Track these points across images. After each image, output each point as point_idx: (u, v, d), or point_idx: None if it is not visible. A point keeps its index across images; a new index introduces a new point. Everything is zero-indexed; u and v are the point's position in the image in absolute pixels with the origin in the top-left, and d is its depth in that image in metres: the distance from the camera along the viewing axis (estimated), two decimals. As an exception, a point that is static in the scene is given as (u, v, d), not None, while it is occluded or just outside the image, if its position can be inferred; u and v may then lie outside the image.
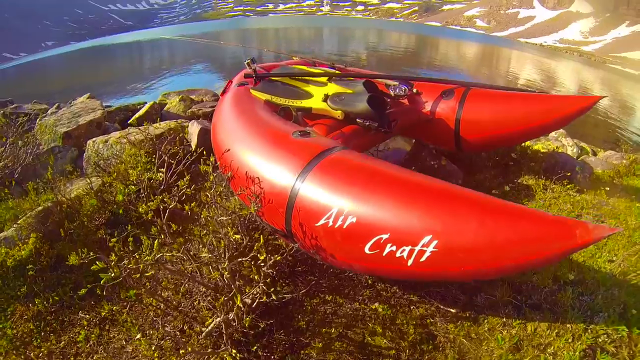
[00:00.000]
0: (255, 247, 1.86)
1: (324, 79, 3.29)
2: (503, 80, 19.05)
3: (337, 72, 3.62)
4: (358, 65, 17.65)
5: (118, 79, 14.54)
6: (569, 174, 3.50)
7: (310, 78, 3.34)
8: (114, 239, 1.83)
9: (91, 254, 1.73)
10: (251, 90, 3.35)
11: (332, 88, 3.15)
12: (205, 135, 4.02)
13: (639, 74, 51.80)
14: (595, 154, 6.11)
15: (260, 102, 3.20)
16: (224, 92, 3.77)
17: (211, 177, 2.16)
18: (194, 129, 4.15)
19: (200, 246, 2.04)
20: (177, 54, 26.74)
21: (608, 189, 3.55)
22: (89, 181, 3.15)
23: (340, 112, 2.91)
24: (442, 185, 1.77)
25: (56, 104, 6.36)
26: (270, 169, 2.21)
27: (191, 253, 1.99)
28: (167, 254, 1.92)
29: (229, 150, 2.58)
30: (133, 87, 12.25)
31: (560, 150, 5.06)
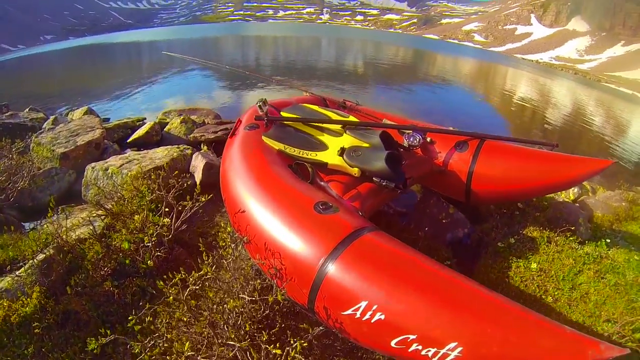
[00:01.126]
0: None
1: (339, 127, 3.18)
2: (499, 95, 19.01)
3: (352, 119, 3.42)
4: (355, 76, 18.07)
5: (116, 81, 14.26)
6: (572, 227, 3.46)
7: (325, 125, 3.22)
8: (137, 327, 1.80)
9: (108, 332, 1.80)
10: (263, 137, 3.15)
11: (348, 140, 3.03)
12: (210, 170, 3.90)
13: (632, 93, 52.50)
14: (594, 191, 6.09)
15: (272, 151, 3.03)
16: (232, 133, 3.53)
17: (229, 250, 2.10)
18: (198, 163, 4.02)
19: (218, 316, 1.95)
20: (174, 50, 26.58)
21: (609, 240, 3.53)
22: (90, 218, 2.99)
23: (357, 169, 2.79)
24: (471, 287, 1.75)
25: (53, 117, 6.18)
26: (294, 244, 2.10)
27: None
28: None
29: (243, 211, 2.45)
30: (130, 89, 12.01)
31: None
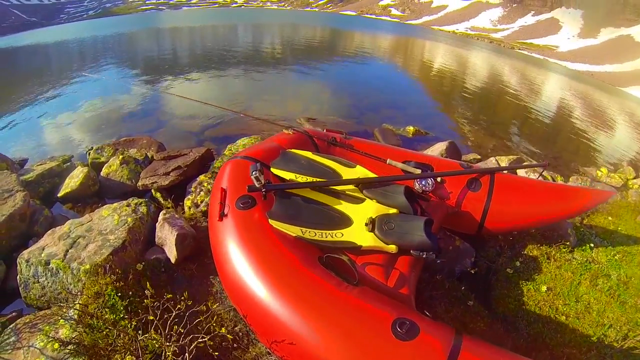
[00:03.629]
0: None
1: (352, 187, 2.73)
2: (418, 66, 18.96)
3: (360, 170, 2.96)
4: (273, 59, 17.09)
5: (20, 97, 12.22)
6: (567, 242, 3.59)
7: (337, 188, 2.71)
8: None
9: None
10: (270, 222, 2.29)
11: (372, 207, 2.54)
12: (184, 242, 3.06)
13: (543, 58, 56.02)
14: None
15: (289, 238, 2.23)
16: (220, 214, 2.42)
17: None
18: (166, 234, 3.13)
19: None
20: (87, 52, 24.02)
21: (592, 245, 3.74)
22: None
23: (394, 246, 2.29)
24: None
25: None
26: None
27: None
28: None
29: (291, 343, 1.80)
30: (40, 106, 10.19)
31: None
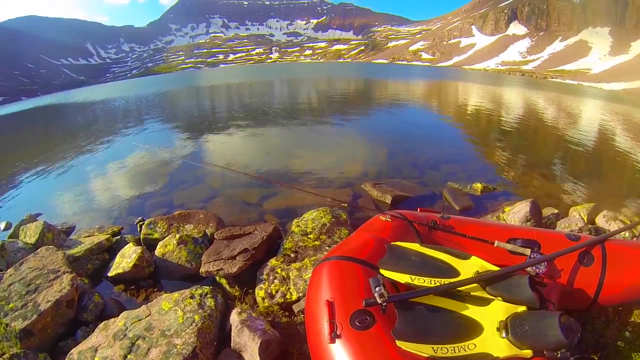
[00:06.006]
0: None
1: (474, 285, 2.29)
2: (457, 110, 18.59)
3: (477, 262, 2.51)
4: (311, 112, 17.03)
5: (68, 155, 12.30)
6: None
7: (459, 289, 2.27)
8: None
9: None
10: (399, 343, 1.85)
11: (499, 307, 2.14)
12: (268, 349, 2.50)
13: (577, 83, 55.19)
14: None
15: None
16: (332, 336, 1.95)
17: None
18: (246, 340, 2.54)
19: None
20: (131, 110, 24.77)
21: None
22: None
23: (530, 351, 1.91)
24: None
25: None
26: None
27: None
28: None
29: None
30: (87, 167, 10.08)
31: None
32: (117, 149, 11.54)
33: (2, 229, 6.20)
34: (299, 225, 4.44)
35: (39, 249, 4.05)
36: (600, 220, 5.45)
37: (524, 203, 5.50)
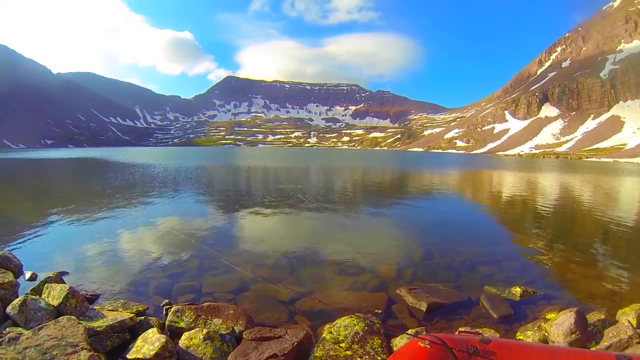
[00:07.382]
0: None
1: None
2: (493, 201, 18.07)
3: None
4: (346, 202, 16.98)
5: (106, 212, 12.49)
6: None
7: None
8: None
9: None
10: None
11: None
12: None
13: (613, 160, 53.84)
14: None
15: None
16: None
17: None
18: None
19: None
20: (169, 177, 25.41)
21: None
22: None
23: None
24: None
25: (20, 300, 4.35)
26: None
27: None
28: None
29: None
30: (123, 223, 10.13)
31: None
32: (151, 216, 11.65)
33: (26, 278, 6.11)
34: (330, 332, 4.16)
35: (61, 318, 3.89)
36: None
37: (567, 314, 5.05)
